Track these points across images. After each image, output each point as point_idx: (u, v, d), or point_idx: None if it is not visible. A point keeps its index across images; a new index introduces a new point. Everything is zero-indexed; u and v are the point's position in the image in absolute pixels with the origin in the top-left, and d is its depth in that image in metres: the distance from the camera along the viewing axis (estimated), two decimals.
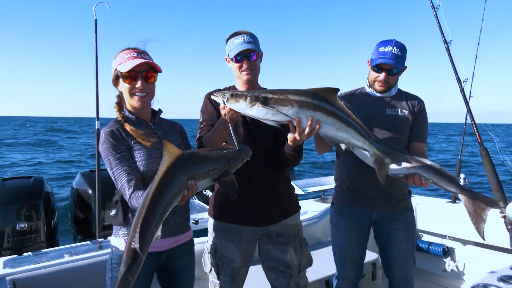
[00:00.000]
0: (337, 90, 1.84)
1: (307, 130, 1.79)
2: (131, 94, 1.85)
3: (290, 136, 1.87)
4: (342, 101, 1.94)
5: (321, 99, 1.82)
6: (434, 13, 2.35)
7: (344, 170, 2.49)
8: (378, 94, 2.39)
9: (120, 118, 1.86)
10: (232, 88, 2.31)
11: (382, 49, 2.28)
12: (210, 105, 2.21)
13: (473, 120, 2.23)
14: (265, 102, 1.75)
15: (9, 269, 2.36)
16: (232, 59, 2.16)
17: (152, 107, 2.01)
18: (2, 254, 3.20)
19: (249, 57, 2.14)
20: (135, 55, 1.83)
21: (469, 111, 2.29)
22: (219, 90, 1.83)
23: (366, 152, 1.95)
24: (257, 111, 1.75)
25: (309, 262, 2.32)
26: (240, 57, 2.14)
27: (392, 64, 2.23)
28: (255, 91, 1.79)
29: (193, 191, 1.53)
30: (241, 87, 2.25)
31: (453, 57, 2.31)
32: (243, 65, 2.15)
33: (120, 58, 1.84)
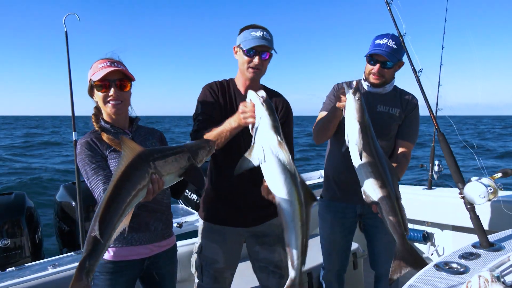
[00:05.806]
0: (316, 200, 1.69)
1: None
2: (105, 102, 1.87)
3: None
4: None
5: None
6: (402, 42, 2.23)
7: (332, 166, 2.51)
8: (372, 89, 2.34)
9: (97, 128, 1.89)
10: (231, 81, 2.18)
11: (378, 41, 2.22)
12: (211, 97, 2.09)
13: (432, 113, 2.20)
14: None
15: None
16: (243, 51, 2.01)
17: (130, 115, 2.03)
18: None
19: (262, 55, 2.00)
20: (108, 64, 1.85)
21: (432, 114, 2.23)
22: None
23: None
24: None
25: None
26: (252, 52, 1.99)
27: (385, 55, 2.16)
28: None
29: (159, 185, 1.50)
30: (241, 83, 2.14)
31: (422, 82, 2.18)
32: (253, 61, 2.00)
33: (94, 68, 1.86)
